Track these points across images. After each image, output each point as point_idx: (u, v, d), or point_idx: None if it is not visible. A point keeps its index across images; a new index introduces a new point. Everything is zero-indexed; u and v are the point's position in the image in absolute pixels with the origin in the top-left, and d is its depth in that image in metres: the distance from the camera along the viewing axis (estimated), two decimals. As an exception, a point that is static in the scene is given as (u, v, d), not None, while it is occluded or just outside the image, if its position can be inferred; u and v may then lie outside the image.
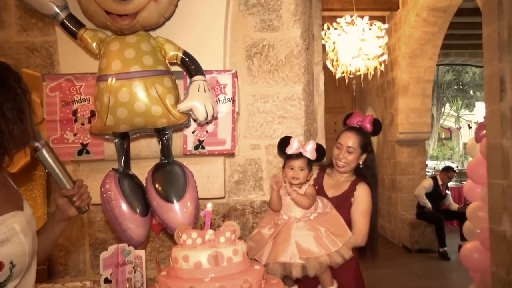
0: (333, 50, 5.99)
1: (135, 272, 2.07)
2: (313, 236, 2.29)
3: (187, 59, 2.28)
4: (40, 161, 1.53)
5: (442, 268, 6.82)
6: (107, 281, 1.95)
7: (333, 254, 2.26)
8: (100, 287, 1.99)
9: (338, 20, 5.84)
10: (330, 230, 2.31)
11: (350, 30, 5.57)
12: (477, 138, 4.71)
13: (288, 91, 2.76)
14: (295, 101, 2.77)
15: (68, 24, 2.15)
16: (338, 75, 6.10)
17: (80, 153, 2.33)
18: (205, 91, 2.24)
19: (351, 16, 5.75)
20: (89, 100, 2.30)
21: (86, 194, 1.59)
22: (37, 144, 1.48)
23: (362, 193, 2.56)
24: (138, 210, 2.17)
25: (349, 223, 2.50)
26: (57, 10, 2.11)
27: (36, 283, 2.29)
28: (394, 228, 8.40)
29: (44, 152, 1.52)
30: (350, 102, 10.24)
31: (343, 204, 2.56)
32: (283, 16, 2.76)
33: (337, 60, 5.96)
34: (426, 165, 9.44)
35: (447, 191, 8.03)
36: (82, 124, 2.30)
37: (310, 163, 2.41)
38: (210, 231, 1.77)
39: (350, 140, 2.57)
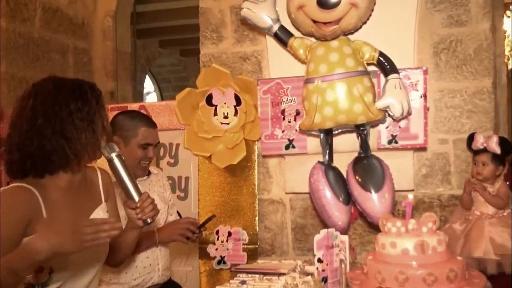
0: (504, 40, 5.62)
1: (339, 255, 2.28)
2: (509, 233, 2.27)
3: (383, 59, 2.44)
4: (112, 171, 1.53)
5: None
6: (319, 260, 2.19)
7: None
8: (311, 266, 2.25)
9: (512, 7, 5.47)
10: None
11: (527, 16, 5.18)
12: None
13: (477, 85, 2.76)
14: (484, 95, 2.76)
15: (280, 35, 2.47)
16: (510, 66, 5.71)
17: (287, 147, 2.65)
18: (400, 89, 2.39)
19: (528, 2, 5.34)
20: (295, 101, 2.61)
21: (149, 207, 1.53)
22: (111, 155, 1.50)
23: None
24: (341, 199, 2.40)
25: (546, 218, 2.42)
26: (271, 23, 2.45)
27: (250, 259, 2.68)
28: None
29: (116, 163, 1.51)
30: (518, 94, 9.37)
31: (539, 198, 2.49)
32: (472, 10, 2.76)
33: (510, 50, 5.59)
34: None
35: None
36: (289, 122, 2.62)
37: (496, 158, 2.40)
38: (412, 221, 1.87)
39: None
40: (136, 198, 1.53)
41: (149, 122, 2.16)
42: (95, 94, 1.48)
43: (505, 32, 5.68)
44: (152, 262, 2.15)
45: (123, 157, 1.53)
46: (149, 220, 1.56)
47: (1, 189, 1.39)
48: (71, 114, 1.39)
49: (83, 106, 1.42)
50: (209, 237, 2.84)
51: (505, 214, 2.37)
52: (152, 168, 2.31)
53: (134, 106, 3.04)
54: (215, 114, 2.72)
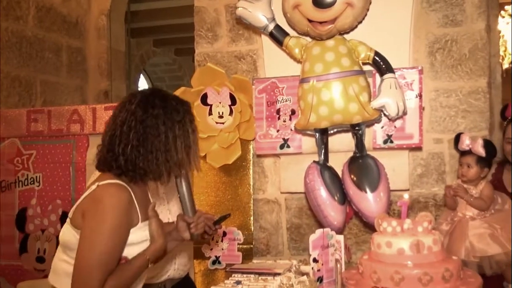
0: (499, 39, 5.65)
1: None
2: (489, 234, 2.28)
3: (378, 59, 2.44)
4: (177, 186, 1.67)
5: None
6: (315, 260, 2.18)
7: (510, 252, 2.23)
8: (306, 266, 2.24)
9: (506, 7, 5.50)
10: (508, 227, 2.28)
11: (521, 17, 5.21)
12: None
13: (472, 85, 2.76)
14: (479, 95, 2.76)
15: (276, 34, 2.47)
16: (505, 66, 5.74)
17: (281, 147, 2.65)
18: (396, 88, 2.39)
19: (522, 2, 5.37)
20: (290, 100, 2.60)
21: (201, 224, 1.71)
22: None
23: None
24: (336, 199, 2.40)
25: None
26: (267, 22, 2.45)
27: (245, 259, 2.67)
28: None
29: (183, 179, 1.66)
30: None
31: (525, 198, 2.49)
32: (467, 10, 2.76)
33: (505, 50, 5.62)
34: None
35: None
36: (284, 121, 2.61)
37: (481, 160, 2.40)
38: (408, 220, 1.87)
39: None
40: (190, 214, 1.69)
41: None
42: (191, 118, 1.59)
43: (499, 32, 5.70)
44: (169, 255, 2.15)
45: (189, 175, 1.67)
46: (197, 236, 1.73)
47: (101, 186, 1.45)
48: (175, 138, 1.51)
49: (184, 129, 1.54)
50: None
51: (487, 215, 2.37)
52: None
53: (128, 106, 3.03)
54: (210, 113, 2.71)
